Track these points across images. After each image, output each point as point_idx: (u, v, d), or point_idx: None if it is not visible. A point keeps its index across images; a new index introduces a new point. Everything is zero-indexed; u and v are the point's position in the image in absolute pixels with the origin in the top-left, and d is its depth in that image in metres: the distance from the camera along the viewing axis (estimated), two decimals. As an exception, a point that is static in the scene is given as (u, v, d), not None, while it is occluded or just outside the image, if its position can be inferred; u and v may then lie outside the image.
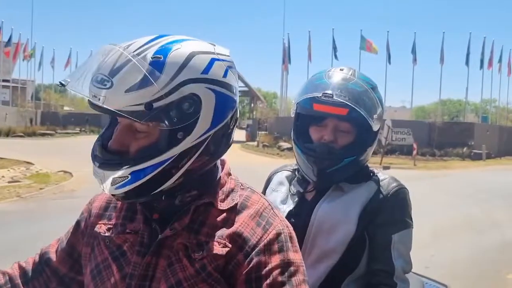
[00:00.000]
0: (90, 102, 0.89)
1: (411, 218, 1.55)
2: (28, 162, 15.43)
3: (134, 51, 0.89)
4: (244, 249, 0.95)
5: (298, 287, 0.95)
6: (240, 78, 36.07)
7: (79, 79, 0.90)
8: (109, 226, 1.05)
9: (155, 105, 0.87)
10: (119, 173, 0.91)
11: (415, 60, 33.47)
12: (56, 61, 42.02)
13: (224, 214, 0.99)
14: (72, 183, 11.48)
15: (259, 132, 34.42)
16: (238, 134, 31.85)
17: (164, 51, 0.90)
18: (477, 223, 8.69)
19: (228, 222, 0.98)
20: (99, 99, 0.87)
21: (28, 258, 1.19)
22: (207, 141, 0.94)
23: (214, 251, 0.94)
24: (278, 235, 0.97)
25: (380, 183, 1.56)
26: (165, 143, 0.91)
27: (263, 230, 0.97)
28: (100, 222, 1.08)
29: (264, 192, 1.73)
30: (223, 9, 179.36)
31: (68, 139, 29.33)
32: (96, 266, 1.03)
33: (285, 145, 24.07)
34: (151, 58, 0.88)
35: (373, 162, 2.37)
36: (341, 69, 1.61)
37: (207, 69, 0.92)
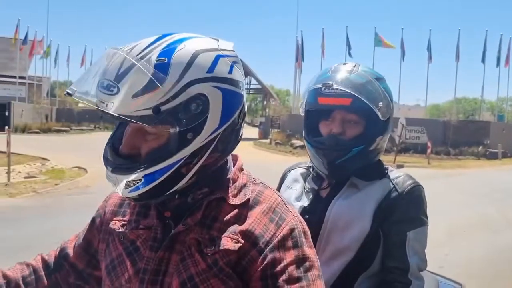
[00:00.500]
0: (98, 108, 0.88)
1: (427, 215, 1.54)
2: (43, 158, 15.63)
3: (138, 54, 0.88)
4: (257, 245, 0.94)
5: (314, 282, 0.94)
6: (253, 75, 36.03)
7: (85, 87, 0.90)
8: (123, 222, 1.06)
9: (163, 108, 0.87)
10: (132, 176, 0.91)
11: (430, 57, 32.97)
12: (71, 58, 42.61)
13: (237, 210, 0.99)
14: (86, 179, 11.60)
15: (272, 130, 34.30)
16: (251, 132, 31.92)
17: (168, 52, 0.89)
18: (492, 222, 8.58)
19: (241, 218, 0.98)
20: (107, 105, 0.86)
21: (50, 251, 1.22)
22: (217, 139, 0.94)
23: (226, 247, 0.94)
24: (291, 230, 0.97)
25: (395, 180, 1.55)
26: (175, 145, 0.91)
27: (276, 226, 0.97)
28: (114, 218, 1.09)
29: (278, 189, 1.73)
30: (238, 8, 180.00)
31: (83, 136, 29.67)
32: (111, 262, 1.04)
33: (298, 142, 23.98)
34: (156, 60, 0.88)
35: (387, 161, 2.35)
36: (344, 64, 1.63)
37: (212, 67, 0.92)
